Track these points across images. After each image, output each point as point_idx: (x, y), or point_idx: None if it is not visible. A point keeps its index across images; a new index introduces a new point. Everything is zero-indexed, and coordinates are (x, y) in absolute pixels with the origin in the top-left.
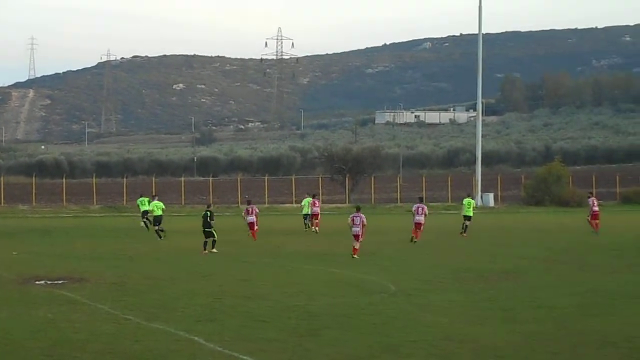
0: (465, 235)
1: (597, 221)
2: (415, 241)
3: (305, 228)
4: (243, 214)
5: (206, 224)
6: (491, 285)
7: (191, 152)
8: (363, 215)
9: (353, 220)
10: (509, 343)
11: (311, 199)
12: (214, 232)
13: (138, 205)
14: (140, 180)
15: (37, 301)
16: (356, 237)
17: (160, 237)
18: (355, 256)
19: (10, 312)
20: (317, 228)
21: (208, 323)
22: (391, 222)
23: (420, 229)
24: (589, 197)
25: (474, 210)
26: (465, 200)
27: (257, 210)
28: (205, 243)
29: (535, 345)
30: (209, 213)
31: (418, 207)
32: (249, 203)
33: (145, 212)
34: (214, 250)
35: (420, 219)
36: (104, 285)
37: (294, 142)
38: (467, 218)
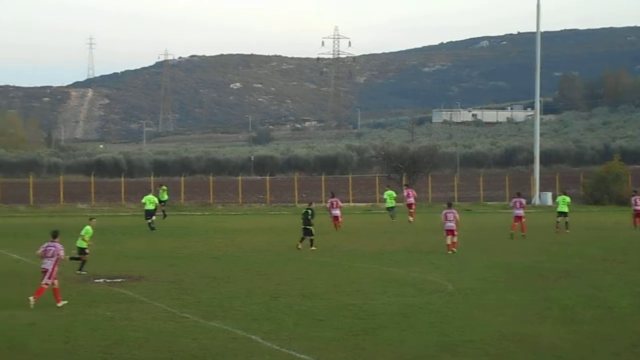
0: (567, 231)
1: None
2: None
3: (392, 219)
4: (327, 206)
5: (306, 222)
6: (549, 285)
7: (248, 151)
8: (455, 211)
9: (446, 216)
10: (568, 343)
11: (392, 192)
12: (312, 229)
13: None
14: (197, 179)
15: (96, 299)
16: (451, 232)
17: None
18: (454, 250)
19: (70, 310)
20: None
21: (265, 321)
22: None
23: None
24: (633, 196)
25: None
26: (560, 197)
27: (341, 204)
28: (302, 239)
29: (594, 345)
30: (309, 211)
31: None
32: (332, 196)
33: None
34: (313, 248)
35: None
36: (162, 283)
37: (350, 141)
38: (563, 214)
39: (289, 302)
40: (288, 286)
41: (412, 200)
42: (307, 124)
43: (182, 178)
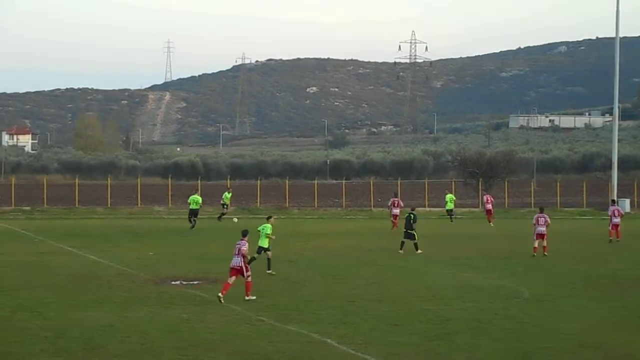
0: None
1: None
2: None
3: (452, 221)
4: (389, 204)
5: (408, 226)
6: (627, 292)
7: (324, 155)
8: (547, 215)
9: (537, 220)
10: None
11: (452, 195)
12: (414, 234)
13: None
14: (273, 183)
15: (173, 301)
16: (542, 236)
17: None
18: (545, 253)
19: (147, 311)
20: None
21: (341, 326)
22: (525, 227)
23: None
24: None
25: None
26: None
27: (402, 204)
28: (403, 244)
29: None
30: (412, 215)
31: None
32: (395, 195)
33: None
34: (419, 251)
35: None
36: (238, 286)
37: (426, 146)
38: None
39: (365, 306)
40: (364, 290)
41: (489, 206)
42: (383, 128)
43: (258, 181)
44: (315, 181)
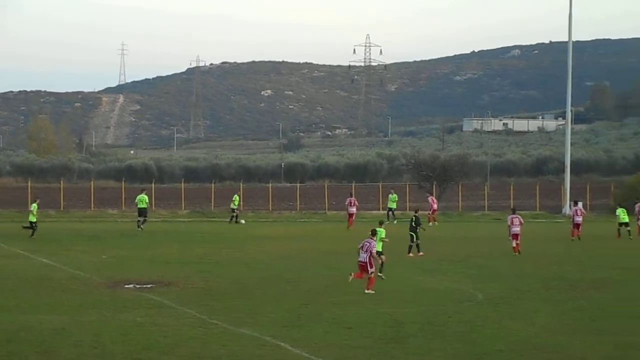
0: (630, 238)
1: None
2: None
3: (389, 219)
4: (346, 203)
5: (411, 228)
6: (581, 295)
7: (278, 158)
8: (520, 216)
9: (512, 221)
10: (598, 354)
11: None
12: (414, 236)
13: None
14: (227, 186)
15: (126, 305)
16: (516, 236)
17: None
18: (519, 251)
19: (100, 315)
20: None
21: (294, 329)
22: (479, 230)
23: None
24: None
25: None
26: (620, 210)
27: (357, 204)
28: (411, 247)
29: (624, 356)
30: (414, 218)
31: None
32: (351, 195)
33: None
34: (420, 253)
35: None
36: (191, 289)
37: (381, 149)
38: (625, 224)
39: (319, 309)
40: (318, 293)
41: (436, 206)
42: (337, 131)
43: (213, 185)
44: (270, 184)
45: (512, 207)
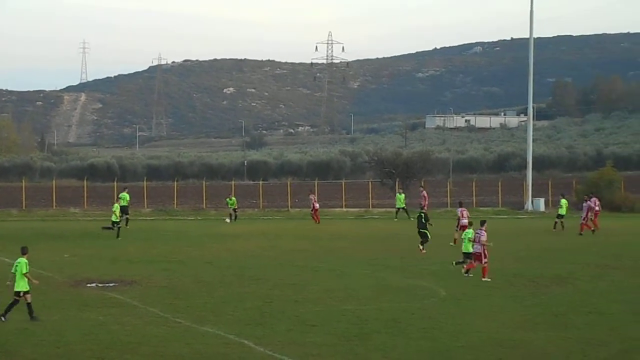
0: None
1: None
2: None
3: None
4: (311, 199)
5: (421, 225)
6: (542, 291)
7: (241, 156)
8: (466, 209)
9: (462, 213)
10: (559, 349)
11: (404, 195)
12: (427, 233)
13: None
14: (190, 184)
15: (89, 304)
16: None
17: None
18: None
19: (62, 314)
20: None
21: (258, 326)
22: (441, 227)
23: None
24: (459, 207)
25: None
26: (563, 201)
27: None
28: (422, 242)
29: (586, 351)
30: (422, 215)
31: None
32: (311, 192)
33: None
34: (424, 250)
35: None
36: (154, 288)
37: (343, 147)
38: (561, 216)
39: (282, 307)
40: (281, 291)
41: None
42: (300, 129)
43: (175, 183)
44: (233, 182)
45: (459, 201)
